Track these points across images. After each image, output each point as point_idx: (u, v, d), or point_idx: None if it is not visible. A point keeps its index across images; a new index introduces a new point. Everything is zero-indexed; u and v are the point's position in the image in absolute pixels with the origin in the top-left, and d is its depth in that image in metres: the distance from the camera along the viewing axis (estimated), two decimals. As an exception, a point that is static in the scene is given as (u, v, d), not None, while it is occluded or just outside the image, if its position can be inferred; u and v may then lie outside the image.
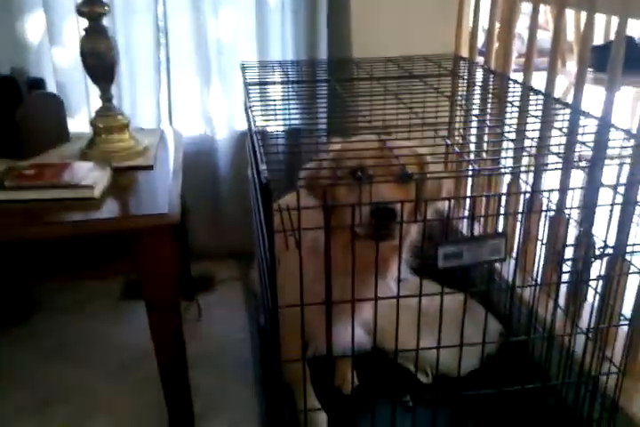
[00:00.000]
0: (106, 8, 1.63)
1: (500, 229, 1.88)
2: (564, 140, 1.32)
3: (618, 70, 1.46)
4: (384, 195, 1.12)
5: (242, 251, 2.39)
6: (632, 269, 1.25)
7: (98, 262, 1.45)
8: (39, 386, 1.79)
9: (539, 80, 1.76)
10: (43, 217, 1.37)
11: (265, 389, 1.71)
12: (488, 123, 1.62)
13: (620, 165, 1.15)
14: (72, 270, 1.46)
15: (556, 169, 1.34)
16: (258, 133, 1.23)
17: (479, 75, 1.95)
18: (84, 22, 1.65)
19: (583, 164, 1.22)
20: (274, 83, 1.86)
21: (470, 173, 1.53)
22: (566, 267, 1.27)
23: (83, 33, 1.65)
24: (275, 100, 1.80)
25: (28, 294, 2.16)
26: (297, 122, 2.00)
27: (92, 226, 1.32)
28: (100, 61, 1.64)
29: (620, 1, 1.42)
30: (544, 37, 3.92)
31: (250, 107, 1.45)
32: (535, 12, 1.80)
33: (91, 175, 1.49)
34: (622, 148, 1.18)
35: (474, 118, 1.69)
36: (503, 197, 1.83)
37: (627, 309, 1.36)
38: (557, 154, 1.22)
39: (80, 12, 1.61)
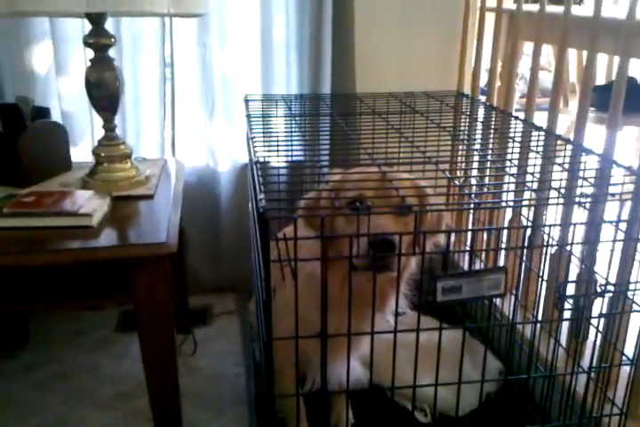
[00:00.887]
0: (112, 39, 1.65)
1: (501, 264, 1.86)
2: (565, 175, 1.31)
3: (619, 109, 1.47)
4: (383, 226, 1.11)
5: (240, 284, 2.37)
6: (634, 307, 1.22)
7: (94, 292, 1.44)
8: (31, 417, 1.75)
9: (541, 120, 1.77)
10: (39, 244, 1.36)
11: (259, 425, 1.67)
12: (489, 157, 1.62)
13: (622, 201, 1.14)
14: (68, 299, 1.44)
15: (558, 204, 1.33)
16: (257, 164, 1.23)
17: (481, 111, 1.96)
18: (91, 53, 1.67)
19: (584, 200, 1.21)
20: (276, 116, 1.88)
21: (471, 206, 1.52)
22: (568, 304, 1.25)
23: (89, 63, 1.67)
24: (277, 134, 1.82)
25: (24, 323, 2.13)
26: (299, 155, 2.01)
27: (88, 254, 1.31)
28: (104, 92, 1.66)
29: (621, 41, 1.44)
30: (546, 78, 3.98)
31: (251, 138, 1.46)
32: (537, 50, 1.83)
33: (89, 204, 1.48)
34: (623, 184, 1.17)
35: (475, 153, 1.69)
36: (504, 232, 1.82)
37: (630, 348, 1.33)
38: (558, 189, 1.22)
39: (86, 43, 1.64)
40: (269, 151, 1.73)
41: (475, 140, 1.81)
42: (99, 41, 1.64)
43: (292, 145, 1.83)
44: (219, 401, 1.82)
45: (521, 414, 1.42)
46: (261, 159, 1.39)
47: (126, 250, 1.33)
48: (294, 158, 2.01)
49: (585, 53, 1.60)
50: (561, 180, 1.27)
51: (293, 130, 1.78)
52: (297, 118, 1.84)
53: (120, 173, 1.71)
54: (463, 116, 1.90)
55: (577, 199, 1.21)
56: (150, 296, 1.38)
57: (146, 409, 1.52)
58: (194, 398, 1.82)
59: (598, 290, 1.15)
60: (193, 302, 2.27)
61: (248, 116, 1.72)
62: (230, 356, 2.05)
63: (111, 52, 1.74)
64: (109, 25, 1.97)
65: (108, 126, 1.73)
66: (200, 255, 2.36)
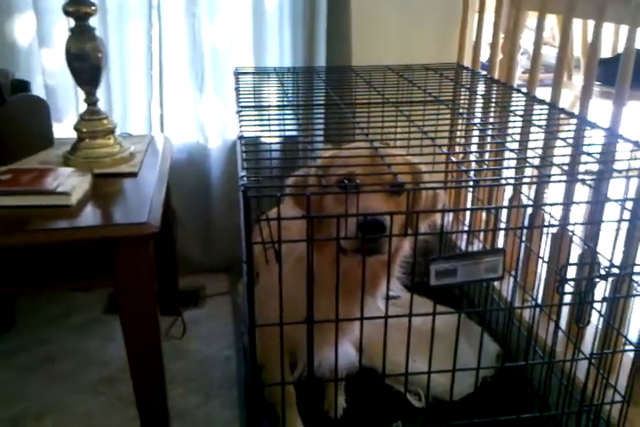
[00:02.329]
0: (93, 8, 1.56)
1: (500, 245, 1.79)
2: (569, 151, 1.24)
3: (626, 83, 1.39)
4: (373, 206, 1.04)
5: (233, 264, 2.32)
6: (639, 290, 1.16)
7: (80, 273, 1.38)
8: (17, 401, 1.71)
9: (543, 95, 1.69)
10: (15, 224, 1.29)
11: (248, 411, 1.62)
12: (490, 132, 1.55)
13: (628, 178, 1.07)
14: (52, 282, 1.38)
15: (560, 181, 1.26)
16: (242, 139, 1.16)
17: (482, 85, 1.88)
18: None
19: (588, 177, 1.14)
20: (269, 90, 1.80)
21: (470, 184, 1.45)
22: (569, 287, 1.18)
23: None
24: (269, 108, 1.73)
25: (10, 306, 2.08)
26: (292, 130, 1.93)
27: (64, 234, 1.25)
28: (85, 63, 1.58)
29: (629, 9, 1.35)
30: (550, 53, 3.87)
31: (237, 112, 1.38)
32: (541, 20, 1.73)
33: (69, 182, 1.41)
34: (630, 160, 1.10)
35: (475, 128, 1.62)
36: (504, 212, 1.75)
37: (633, 333, 1.27)
38: (561, 165, 1.15)
39: (66, 12, 1.55)
40: (261, 126, 1.66)
41: (474, 114, 1.73)
42: (79, 9, 1.55)
43: (284, 120, 1.75)
44: (208, 385, 1.78)
45: (518, 401, 1.37)
46: (249, 135, 1.32)
47: (104, 230, 1.27)
48: (287, 134, 1.94)
49: (590, 26, 1.51)
50: (564, 155, 1.20)
51: (286, 104, 1.70)
52: (290, 92, 1.75)
53: (103, 150, 1.64)
54: (463, 90, 1.81)
55: (580, 177, 1.14)
56: (132, 278, 1.32)
57: (132, 394, 1.46)
58: (183, 383, 1.78)
59: (602, 273, 1.08)
60: (184, 283, 2.22)
61: (237, 89, 1.64)
62: (221, 338, 2.00)
63: (94, 23, 1.66)
64: (93, -6, 1.89)
65: (91, 100, 1.65)
66: (191, 235, 2.29)
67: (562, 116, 1.39)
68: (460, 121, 1.78)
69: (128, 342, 1.38)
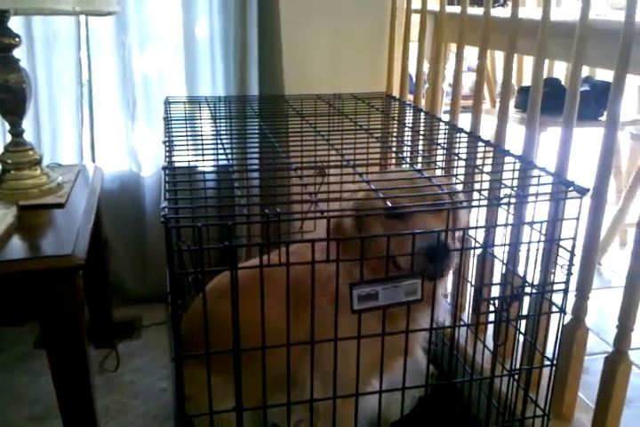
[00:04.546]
0: (17, 39, 1.55)
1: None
2: (487, 177, 1.30)
3: (536, 109, 1.47)
4: (430, 226, 1.07)
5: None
6: (553, 308, 1.22)
7: (3, 308, 1.34)
8: None
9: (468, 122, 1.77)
10: None
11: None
12: (418, 164, 1.60)
13: (536, 202, 1.13)
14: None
15: (478, 206, 1.32)
16: (166, 169, 1.17)
17: (408, 115, 1.94)
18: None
19: (505, 201, 1.20)
20: (200, 118, 1.81)
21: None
22: (491, 307, 1.23)
23: (-7, 65, 1.57)
24: (202, 137, 1.75)
25: None
26: (224, 160, 1.94)
27: (-16, 269, 1.22)
28: (9, 94, 1.56)
29: (537, 43, 1.44)
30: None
31: (164, 142, 1.39)
32: (460, 52, 1.82)
33: (-8, 214, 1.39)
34: (539, 185, 1.16)
35: (403, 160, 1.68)
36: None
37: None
38: (480, 191, 1.20)
39: (-12, 44, 1.54)
40: (195, 155, 1.67)
41: (402, 144, 1.79)
42: (2, 41, 1.54)
43: (217, 150, 1.77)
44: (143, 418, 1.74)
45: (452, 419, 1.40)
46: (180, 164, 1.33)
47: (27, 263, 1.24)
48: (219, 163, 1.95)
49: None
50: (481, 182, 1.26)
51: (219, 133, 1.72)
52: (222, 121, 1.77)
53: (29, 181, 1.61)
54: (390, 120, 1.87)
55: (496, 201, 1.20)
56: (58, 311, 1.29)
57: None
58: (117, 416, 1.74)
59: (517, 292, 1.14)
60: (120, 314, 2.18)
61: (165, 119, 1.65)
62: (157, 369, 1.97)
63: (21, 53, 1.64)
64: (18, 25, 1.88)
65: (16, 131, 1.63)
66: (126, 265, 2.27)
67: (480, 144, 1.46)
68: (388, 152, 1.84)
69: (56, 377, 1.35)
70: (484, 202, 1.33)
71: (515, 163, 1.31)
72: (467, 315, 1.74)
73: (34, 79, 1.94)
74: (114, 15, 1.82)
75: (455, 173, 1.34)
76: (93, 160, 2.16)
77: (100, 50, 2.07)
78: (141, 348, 2.10)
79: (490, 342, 1.48)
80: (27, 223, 1.45)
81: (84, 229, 1.41)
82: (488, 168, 1.34)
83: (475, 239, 1.44)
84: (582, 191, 1.10)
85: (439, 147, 1.47)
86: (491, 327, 1.54)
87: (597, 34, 1.34)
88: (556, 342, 1.22)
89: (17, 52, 1.59)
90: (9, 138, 1.64)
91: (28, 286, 1.28)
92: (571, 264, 1.14)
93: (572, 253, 1.15)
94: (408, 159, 1.55)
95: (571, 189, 1.11)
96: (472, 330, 1.52)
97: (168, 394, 1.84)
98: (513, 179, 1.21)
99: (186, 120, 1.70)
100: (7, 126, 1.63)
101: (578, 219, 1.14)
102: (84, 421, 1.39)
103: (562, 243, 1.17)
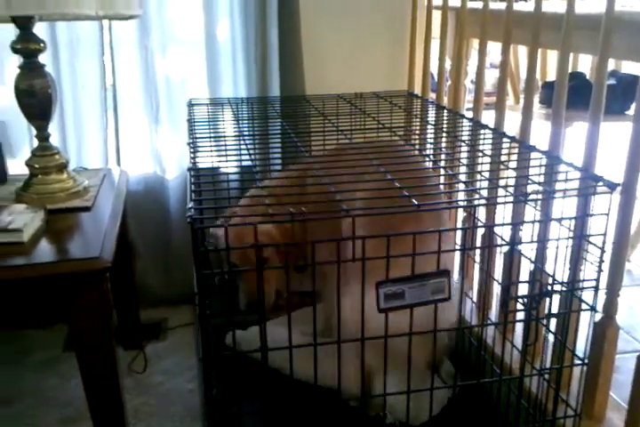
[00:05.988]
0: (42, 44, 1.57)
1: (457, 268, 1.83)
2: (513, 174, 1.29)
3: (562, 104, 1.45)
4: None
5: (195, 295, 2.30)
6: (583, 306, 1.20)
7: (30, 312, 1.36)
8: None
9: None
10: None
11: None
12: (441, 160, 1.59)
13: (564, 198, 1.11)
14: (6, 320, 1.36)
15: (504, 203, 1.30)
16: (191, 170, 1.18)
17: (431, 111, 1.93)
18: (26, 59, 1.59)
19: (532, 197, 1.18)
20: (223, 120, 1.82)
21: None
22: (519, 305, 1.21)
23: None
24: (225, 138, 1.75)
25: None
26: (248, 160, 1.95)
27: (15, 272, 1.24)
28: (35, 99, 1.58)
29: (560, 36, 1.42)
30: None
31: (188, 143, 1.40)
32: (482, 47, 1.80)
33: (21, 218, 1.40)
34: (566, 180, 1.15)
35: (427, 159, 1.67)
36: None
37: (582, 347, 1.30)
38: (505, 187, 1.19)
39: (14, 50, 1.56)
40: (216, 157, 1.68)
41: (425, 142, 1.78)
42: (27, 46, 1.57)
43: (240, 151, 1.77)
44: (171, 419, 1.75)
45: (480, 419, 1.38)
46: (204, 165, 1.34)
47: (56, 266, 1.26)
48: (243, 164, 1.96)
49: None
50: (507, 178, 1.24)
51: (242, 134, 1.72)
52: (244, 122, 1.78)
53: (56, 185, 1.63)
54: (413, 118, 1.86)
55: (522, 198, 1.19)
56: (87, 313, 1.31)
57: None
58: (145, 417, 1.75)
59: (546, 290, 1.12)
60: (146, 316, 2.19)
61: (189, 121, 1.66)
62: (184, 371, 1.98)
63: (44, 58, 1.67)
64: (43, 30, 1.91)
65: (42, 135, 1.65)
66: (152, 267, 2.28)
67: (504, 140, 1.44)
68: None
69: (86, 379, 1.36)
70: (510, 199, 1.31)
71: (541, 158, 1.29)
72: (494, 314, 1.72)
73: (59, 84, 1.97)
74: (136, 19, 1.83)
75: (480, 169, 1.33)
76: (118, 163, 2.18)
77: (123, 54, 2.09)
78: (168, 349, 2.12)
79: (518, 341, 1.47)
80: (54, 227, 1.47)
81: (110, 231, 1.43)
82: (513, 165, 1.32)
83: (501, 237, 1.43)
84: (612, 186, 1.08)
85: (463, 144, 1.46)
86: (518, 326, 1.52)
87: (623, 26, 1.31)
88: (586, 341, 1.20)
89: (42, 58, 1.62)
90: (36, 142, 1.68)
91: (56, 289, 1.30)
92: (601, 261, 1.11)
93: (603, 250, 1.13)
94: (432, 157, 1.54)
95: (600, 184, 1.09)
96: (500, 329, 1.50)
97: (196, 395, 1.85)
98: (540, 175, 1.19)
99: (209, 122, 1.71)
100: (34, 131, 1.67)
101: (608, 214, 1.12)
102: (114, 423, 1.41)
103: (591, 239, 1.15)
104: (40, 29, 1.72)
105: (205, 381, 1.07)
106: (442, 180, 1.65)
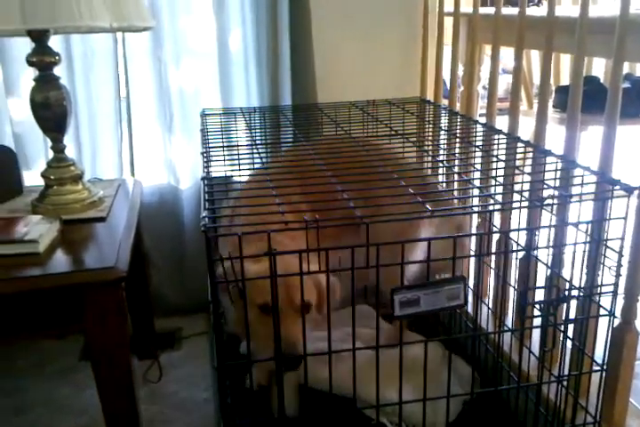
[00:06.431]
0: (57, 57, 1.59)
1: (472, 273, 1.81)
2: (528, 178, 1.27)
3: (577, 109, 1.43)
4: None
5: (209, 304, 2.30)
6: (601, 311, 1.18)
7: (46, 322, 1.37)
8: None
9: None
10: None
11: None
12: (455, 166, 1.58)
13: (581, 202, 1.10)
14: (17, 330, 1.37)
15: (519, 208, 1.29)
16: (205, 180, 1.18)
17: (444, 118, 1.92)
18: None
19: (548, 202, 1.17)
20: (236, 129, 1.83)
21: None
22: (536, 311, 1.20)
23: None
24: (238, 147, 1.76)
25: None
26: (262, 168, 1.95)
27: (31, 283, 1.25)
28: (50, 112, 1.60)
29: (574, 40, 1.41)
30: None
31: (202, 153, 1.40)
32: (495, 53, 1.80)
33: (37, 229, 1.42)
34: (583, 184, 1.13)
35: (441, 165, 1.66)
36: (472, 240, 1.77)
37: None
38: (521, 192, 1.18)
39: (29, 62, 1.58)
40: (230, 166, 1.68)
41: (439, 147, 1.77)
42: (42, 59, 1.59)
43: (253, 160, 1.78)
44: (186, 428, 1.75)
45: (497, 425, 1.36)
46: (217, 174, 1.34)
47: (71, 277, 1.27)
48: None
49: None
50: (522, 183, 1.23)
51: (254, 143, 1.73)
52: (257, 131, 1.78)
53: (71, 196, 1.65)
54: (426, 124, 1.86)
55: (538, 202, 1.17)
56: (102, 323, 1.31)
57: (108, 442, 1.44)
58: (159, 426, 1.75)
59: (561, 295, 1.10)
60: (161, 325, 2.20)
61: (202, 130, 1.67)
62: (199, 380, 1.98)
63: (59, 71, 1.68)
64: (58, 43, 1.93)
65: (57, 147, 1.67)
66: (166, 277, 2.29)
67: (519, 144, 1.43)
68: (425, 157, 1.83)
69: (101, 388, 1.37)
70: (526, 204, 1.30)
71: (557, 163, 1.28)
72: (510, 320, 1.70)
73: (73, 96, 1.98)
74: (149, 30, 1.85)
75: (495, 174, 1.32)
76: (133, 174, 2.19)
77: (136, 65, 2.11)
78: (183, 358, 2.12)
79: (535, 348, 1.45)
80: (69, 237, 1.48)
81: (125, 242, 1.43)
82: (528, 169, 1.31)
83: (517, 242, 1.41)
84: (629, 190, 1.07)
85: (477, 149, 1.45)
86: (535, 332, 1.50)
87: (638, 29, 1.30)
88: (605, 347, 1.18)
89: (57, 70, 1.64)
90: (51, 154, 1.69)
91: (71, 299, 1.31)
92: (619, 265, 1.10)
93: (621, 254, 1.11)
94: (445, 162, 1.53)
95: (617, 187, 1.08)
96: (516, 336, 1.48)
97: (210, 404, 1.85)
98: (555, 179, 1.18)
99: (222, 131, 1.72)
100: (49, 143, 1.68)
101: (625, 218, 1.10)
102: (129, 430, 1.40)
103: (609, 244, 1.14)
104: (55, 42, 1.74)
105: (220, 390, 1.07)
106: (456, 185, 1.65)
